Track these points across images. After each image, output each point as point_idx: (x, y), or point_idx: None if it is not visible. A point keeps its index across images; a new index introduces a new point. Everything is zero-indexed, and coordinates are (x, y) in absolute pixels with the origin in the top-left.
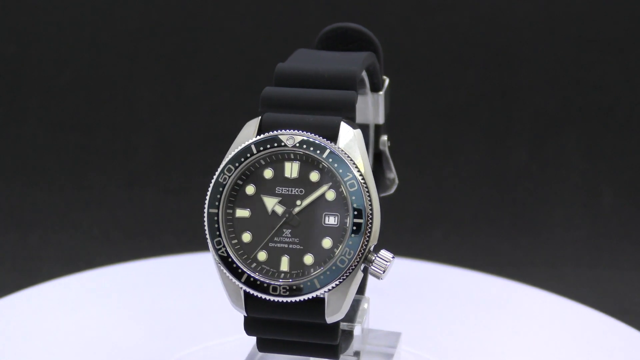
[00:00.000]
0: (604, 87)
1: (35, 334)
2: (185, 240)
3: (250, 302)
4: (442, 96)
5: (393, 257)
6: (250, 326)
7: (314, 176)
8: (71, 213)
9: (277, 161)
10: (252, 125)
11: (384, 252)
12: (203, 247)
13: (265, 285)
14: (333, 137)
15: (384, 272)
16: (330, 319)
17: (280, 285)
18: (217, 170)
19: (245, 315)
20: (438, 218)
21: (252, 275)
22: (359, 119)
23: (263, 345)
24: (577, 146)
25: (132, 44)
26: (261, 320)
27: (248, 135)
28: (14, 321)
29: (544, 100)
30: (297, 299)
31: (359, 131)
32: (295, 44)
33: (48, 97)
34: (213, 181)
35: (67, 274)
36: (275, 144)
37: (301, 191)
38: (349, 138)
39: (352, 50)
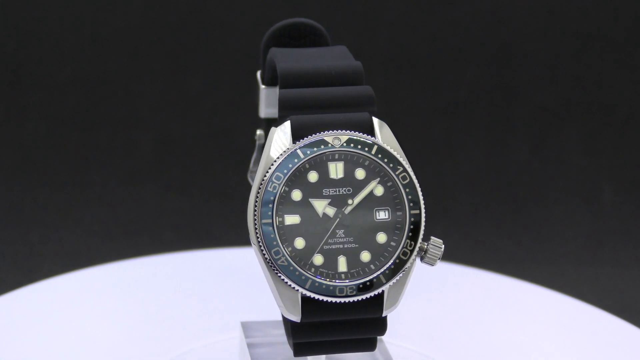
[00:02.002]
0: (605, 84)
1: (35, 332)
2: (186, 237)
3: (307, 307)
4: (442, 93)
5: (443, 244)
6: (299, 332)
7: (360, 174)
8: (72, 210)
9: (320, 163)
10: (282, 130)
11: (434, 240)
12: (203, 245)
13: (331, 288)
14: (370, 132)
15: (438, 259)
16: (387, 312)
17: (346, 286)
18: (261, 180)
19: (298, 322)
20: (438, 215)
21: (316, 279)
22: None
23: (302, 349)
24: (578, 143)
25: (133, 40)
26: (312, 324)
27: (283, 140)
28: (13, 319)
29: (545, 97)
30: (364, 296)
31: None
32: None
33: (48, 94)
34: (262, 191)
35: (68, 271)
36: (322, 146)
37: (349, 190)
38: (384, 132)
39: (304, 46)
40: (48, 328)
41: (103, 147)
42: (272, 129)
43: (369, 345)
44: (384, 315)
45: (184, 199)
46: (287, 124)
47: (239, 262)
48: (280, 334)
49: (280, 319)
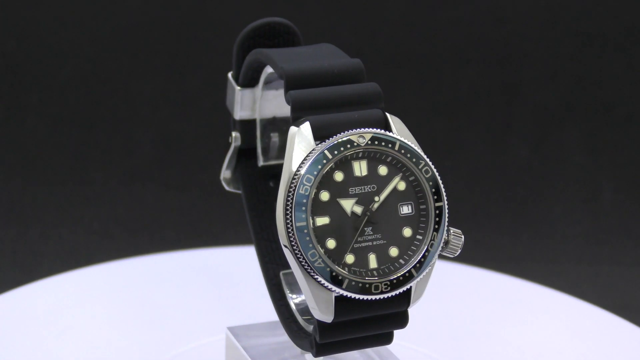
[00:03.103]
0: (605, 83)
1: (35, 330)
2: (186, 236)
3: (339, 307)
4: (442, 92)
5: (462, 234)
6: (326, 332)
7: (383, 170)
8: (71, 208)
9: (345, 162)
10: (303, 132)
11: (454, 230)
12: (203, 244)
13: (367, 285)
14: (385, 128)
15: (459, 249)
16: (413, 304)
17: (381, 283)
18: (289, 182)
19: (329, 322)
20: None
21: (352, 278)
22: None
23: (324, 349)
24: (578, 142)
25: (133, 39)
26: (339, 322)
27: (306, 142)
28: (13, 317)
29: (545, 95)
30: (398, 292)
31: None
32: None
33: (48, 92)
34: (294, 193)
35: (67, 269)
36: (348, 145)
37: (374, 187)
38: (400, 127)
39: (280, 45)
40: (47, 326)
41: (103, 146)
42: (292, 130)
43: (387, 339)
44: (410, 308)
45: (184, 198)
46: (307, 125)
47: (238, 261)
48: (270, 334)
49: (267, 320)
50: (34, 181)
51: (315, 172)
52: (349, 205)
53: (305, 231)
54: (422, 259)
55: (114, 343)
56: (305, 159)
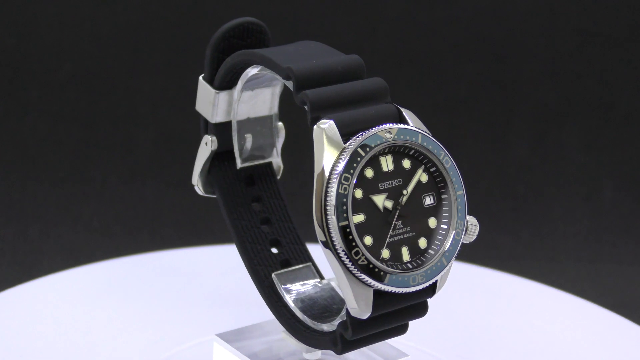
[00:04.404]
0: (605, 81)
1: (35, 328)
2: (186, 233)
3: (376, 302)
4: (442, 90)
5: (476, 221)
6: (359, 328)
7: (407, 163)
8: (71, 206)
9: (373, 158)
10: (330, 131)
11: (469, 217)
12: (203, 242)
13: (406, 279)
14: (401, 121)
15: (475, 235)
16: (437, 292)
17: (417, 275)
18: (326, 183)
19: (365, 318)
20: None
21: (393, 272)
22: (264, 111)
23: (350, 345)
24: (578, 140)
25: (133, 37)
26: (372, 318)
27: (334, 141)
28: (13, 315)
29: (545, 94)
30: (432, 281)
31: None
32: (297, 38)
33: (48, 90)
34: (334, 194)
35: (67, 267)
36: (378, 142)
37: (400, 181)
38: (414, 119)
39: (252, 44)
40: (47, 324)
41: (103, 144)
42: (317, 130)
43: (404, 329)
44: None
45: (184, 196)
46: (332, 124)
47: (239, 259)
48: (256, 335)
49: (253, 323)
50: (33, 179)
51: (351, 171)
52: (380, 200)
53: (348, 230)
54: (450, 248)
55: (114, 340)
56: (338, 159)
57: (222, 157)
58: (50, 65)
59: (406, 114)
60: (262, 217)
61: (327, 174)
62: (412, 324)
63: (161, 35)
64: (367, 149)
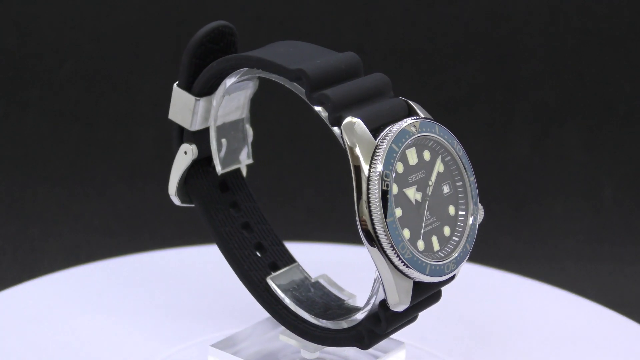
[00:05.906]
0: (606, 80)
1: (35, 327)
2: (187, 232)
3: (414, 292)
4: (443, 89)
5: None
6: (392, 321)
7: (427, 155)
8: (72, 205)
9: (401, 152)
10: (359, 130)
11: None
12: (204, 241)
13: (443, 267)
14: (412, 114)
15: (481, 219)
16: (456, 278)
17: (450, 262)
18: (367, 180)
19: (401, 310)
20: None
21: (432, 263)
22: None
23: (375, 340)
24: (579, 139)
25: (134, 36)
26: (405, 310)
27: (365, 139)
28: (14, 314)
29: (546, 93)
30: (461, 267)
31: None
32: (296, 38)
33: (49, 89)
34: (378, 191)
35: (68, 266)
36: (407, 136)
37: (423, 173)
38: (423, 110)
39: (225, 48)
40: (48, 323)
41: (104, 143)
42: (346, 128)
43: (415, 318)
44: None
45: None
46: (360, 123)
47: None
48: (246, 336)
49: (257, 318)
50: (34, 178)
51: (390, 167)
52: (412, 193)
53: (394, 225)
54: (471, 233)
55: (115, 339)
56: (374, 156)
57: (196, 165)
58: (51, 65)
59: (415, 106)
60: (242, 222)
61: (366, 172)
62: (412, 324)
63: (161, 35)
64: (400, 144)
